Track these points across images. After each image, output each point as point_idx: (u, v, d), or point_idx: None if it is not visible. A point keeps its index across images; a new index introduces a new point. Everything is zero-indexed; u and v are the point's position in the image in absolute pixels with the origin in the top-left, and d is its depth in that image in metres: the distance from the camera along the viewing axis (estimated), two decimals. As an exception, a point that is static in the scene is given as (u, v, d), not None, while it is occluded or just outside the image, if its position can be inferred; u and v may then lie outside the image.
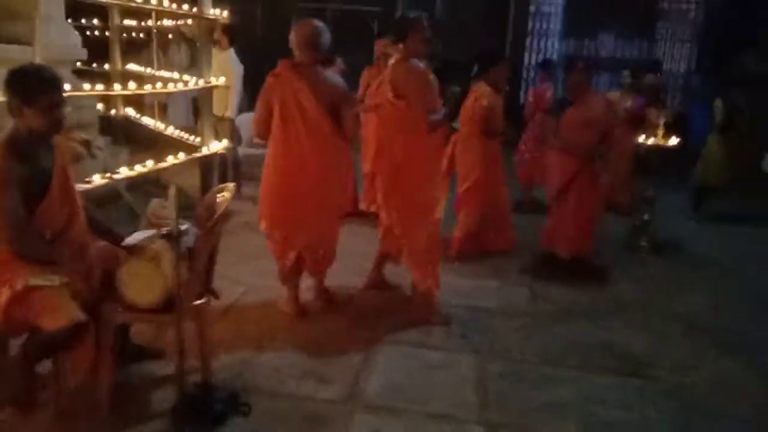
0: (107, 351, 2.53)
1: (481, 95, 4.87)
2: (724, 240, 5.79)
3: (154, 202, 2.83)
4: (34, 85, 2.37)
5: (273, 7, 12.76)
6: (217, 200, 2.60)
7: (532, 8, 10.81)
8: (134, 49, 8.48)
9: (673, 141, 5.19)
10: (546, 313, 3.93)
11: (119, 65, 7.06)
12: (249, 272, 4.21)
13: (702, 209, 6.64)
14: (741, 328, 3.86)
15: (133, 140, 6.45)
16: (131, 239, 2.61)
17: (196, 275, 2.50)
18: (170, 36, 9.07)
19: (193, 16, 5.12)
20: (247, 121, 7.17)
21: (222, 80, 5.39)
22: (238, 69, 6.40)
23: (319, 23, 3.49)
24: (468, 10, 12.36)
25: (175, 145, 5.38)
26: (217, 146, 5.24)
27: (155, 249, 2.45)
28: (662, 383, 3.14)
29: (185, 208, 5.81)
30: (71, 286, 2.45)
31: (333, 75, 3.66)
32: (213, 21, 5.22)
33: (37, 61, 4.30)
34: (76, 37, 4.99)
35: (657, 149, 5.19)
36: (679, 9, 10.45)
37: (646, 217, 5.31)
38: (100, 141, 5.03)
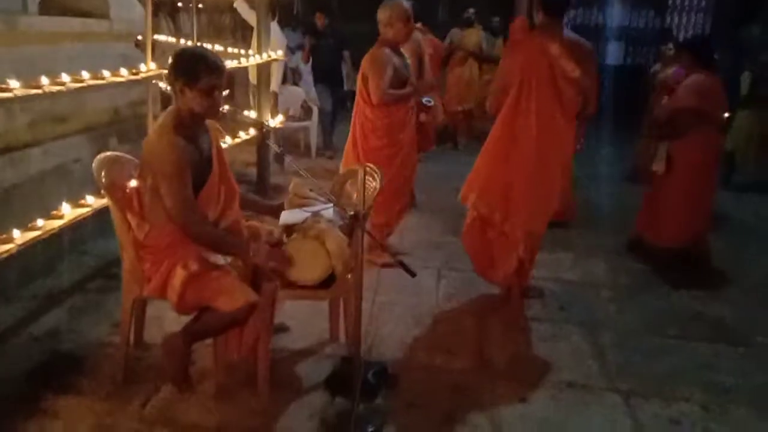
0: (268, 327, 2.59)
1: None
2: (762, 209, 6.01)
3: (295, 181, 2.87)
4: (199, 68, 2.37)
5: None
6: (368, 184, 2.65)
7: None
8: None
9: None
10: (628, 285, 4.08)
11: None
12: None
13: (733, 179, 6.84)
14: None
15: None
16: (285, 219, 2.66)
17: (355, 253, 2.56)
18: (180, 4, 8.87)
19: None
20: (285, 94, 7.18)
21: (280, 53, 5.36)
22: (281, 42, 6.36)
23: None
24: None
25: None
26: (276, 121, 5.23)
27: (320, 227, 2.51)
28: (763, 352, 3.32)
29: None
30: (236, 265, 2.51)
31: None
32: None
33: (114, 33, 4.29)
34: (139, 10, 4.90)
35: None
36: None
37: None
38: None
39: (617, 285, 4.07)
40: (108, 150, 4.25)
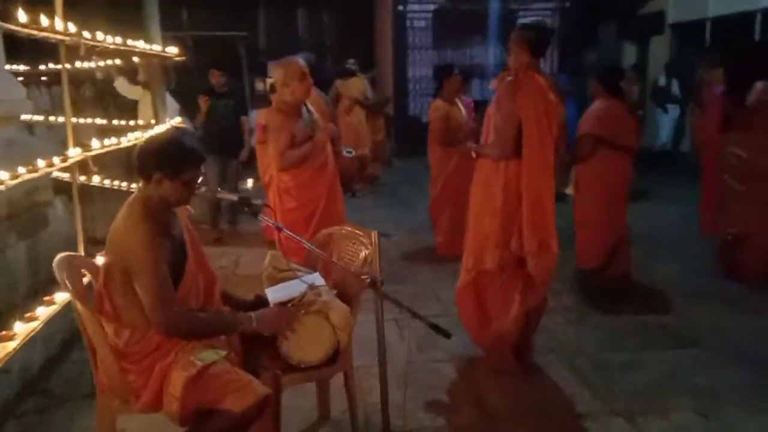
0: (276, 422, 2.34)
1: (434, 108, 5.37)
2: (651, 216, 6.53)
3: (272, 254, 2.66)
4: (186, 160, 2.17)
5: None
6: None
7: (408, 23, 11.27)
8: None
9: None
10: (574, 308, 4.22)
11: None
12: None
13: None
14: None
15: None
16: (276, 296, 2.44)
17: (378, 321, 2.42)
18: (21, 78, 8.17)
19: (145, 55, 4.69)
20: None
21: (178, 120, 5.05)
22: (172, 107, 6.00)
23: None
24: (329, 29, 12.65)
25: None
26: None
27: (322, 301, 2.33)
28: (716, 348, 3.55)
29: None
30: (230, 358, 2.26)
31: None
32: (166, 58, 4.84)
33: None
34: (20, 90, 4.41)
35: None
36: (537, 17, 11.47)
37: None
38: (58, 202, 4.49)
39: (565, 309, 4.18)
40: (8, 248, 3.77)
